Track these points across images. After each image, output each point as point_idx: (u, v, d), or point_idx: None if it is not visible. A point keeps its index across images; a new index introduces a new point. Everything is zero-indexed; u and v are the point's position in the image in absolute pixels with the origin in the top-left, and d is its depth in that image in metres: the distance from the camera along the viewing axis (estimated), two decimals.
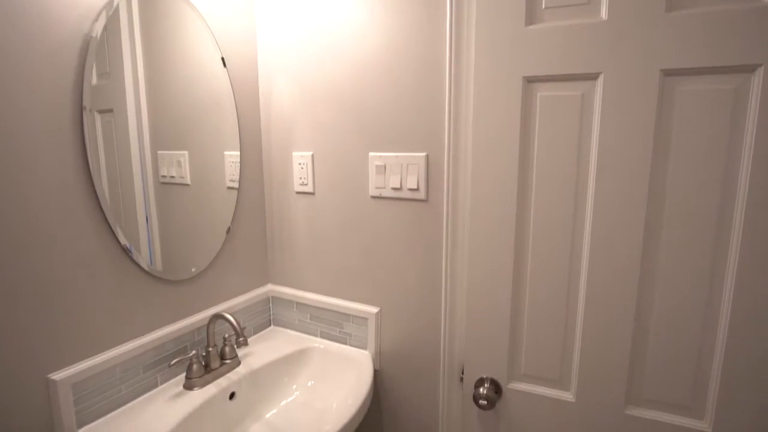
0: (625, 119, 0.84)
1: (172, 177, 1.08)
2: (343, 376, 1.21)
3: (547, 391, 1.02)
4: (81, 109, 0.88)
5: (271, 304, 1.42)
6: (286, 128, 1.30)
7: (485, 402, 1.02)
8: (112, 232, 0.95)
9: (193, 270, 1.15)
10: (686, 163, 0.82)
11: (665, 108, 0.82)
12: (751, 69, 0.76)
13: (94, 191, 0.91)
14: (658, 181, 0.85)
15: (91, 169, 0.90)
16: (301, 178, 1.28)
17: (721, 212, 0.82)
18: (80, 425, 0.91)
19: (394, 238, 1.17)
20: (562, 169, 0.91)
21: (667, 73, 0.81)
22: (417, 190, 1.10)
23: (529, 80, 0.91)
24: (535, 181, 0.94)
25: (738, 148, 0.79)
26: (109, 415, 0.96)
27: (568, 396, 1.00)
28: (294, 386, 1.23)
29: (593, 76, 0.86)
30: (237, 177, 1.27)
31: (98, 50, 0.90)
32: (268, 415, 1.14)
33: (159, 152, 1.04)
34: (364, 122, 1.16)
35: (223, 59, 1.19)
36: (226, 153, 1.23)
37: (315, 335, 1.35)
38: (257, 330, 1.38)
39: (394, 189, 1.13)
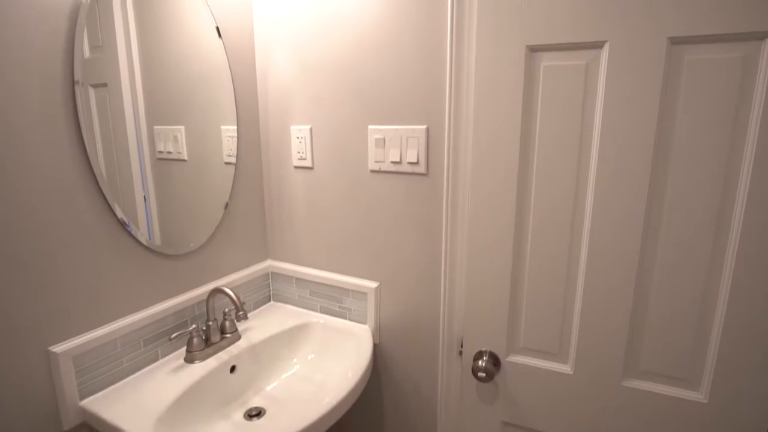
0: (630, 89, 0.83)
1: (169, 153, 1.07)
2: (342, 350, 1.22)
3: (545, 364, 1.03)
4: (73, 82, 0.86)
5: (270, 280, 1.42)
6: (284, 101, 1.27)
7: (484, 374, 1.04)
8: (110, 208, 0.94)
9: (191, 245, 1.15)
10: (692, 133, 0.81)
11: (672, 77, 0.80)
12: (760, 37, 0.74)
13: (90, 167, 0.90)
14: (662, 152, 0.83)
15: (87, 145, 0.89)
16: (299, 152, 1.27)
17: (725, 187, 0.81)
18: (83, 397, 0.92)
19: (394, 212, 1.16)
20: (564, 141, 0.90)
21: (675, 41, 0.79)
22: (417, 163, 1.09)
23: (533, 49, 0.89)
24: (537, 154, 0.93)
25: (745, 117, 0.77)
26: (111, 387, 0.97)
27: (565, 369, 1.01)
28: (294, 360, 1.24)
29: (598, 45, 0.84)
30: (234, 152, 1.25)
31: (89, 20, 0.87)
32: (268, 388, 1.15)
33: (155, 127, 1.03)
34: (364, 94, 1.13)
35: (218, 29, 1.16)
36: (223, 127, 1.21)
37: (315, 310, 1.35)
38: (257, 305, 1.38)
39: (394, 163, 1.12)
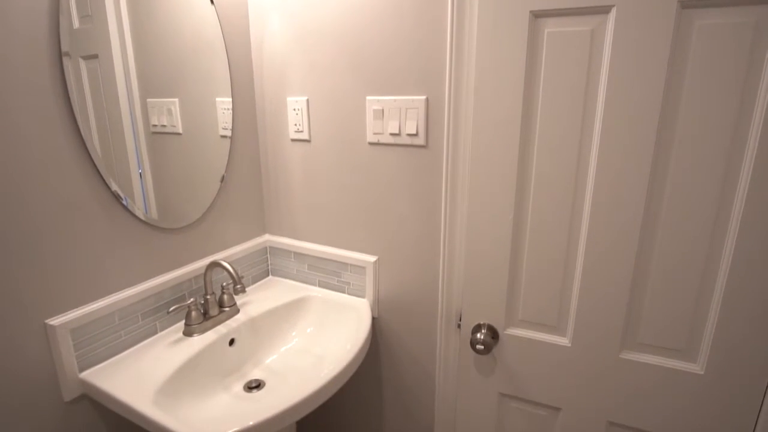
0: (637, 56, 0.80)
1: (164, 126, 1.04)
2: (341, 324, 1.22)
3: (544, 336, 1.03)
4: (60, 54, 0.83)
5: (268, 255, 1.42)
6: (280, 71, 1.24)
7: (482, 347, 1.04)
8: (105, 183, 0.93)
9: (188, 219, 1.13)
10: (699, 103, 0.78)
11: (680, 44, 0.77)
12: None
13: (83, 142, 0.88)
14: (668, 123, 0.81)
15: (79, 120, 0.86)
16: (296, 124, 1.24)
17: (730, 157, 0.79)
18: (82, 369, 0.92)
19: (393, 185, 1.15)
20: (568, 111, 0.88)
21: (685, 4, 0.76)
22: (416, 135, 1.07)
23: (537, 15, 0.86)
24: (539, 124, 0.91)
25: (754, 86, 0.75)
26: (110, 360, 0.97)
27: (564, 341, 1.01)
28: (293, 333, 1.24)
29: (605, 10, 0.81)
30: (230, 125, 1.23)
31: None
32: (268, 361, 1.16)
33: (148, 100, 1.00)
34: (362, 64, 1.10)
35: None
36: (217, 99, 1.18)
37: (313, 284, 1.35)
38: (255, 280, 1.38)
39: (393, 135, 1.09)
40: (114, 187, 0.94)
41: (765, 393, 0.86)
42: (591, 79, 0.85)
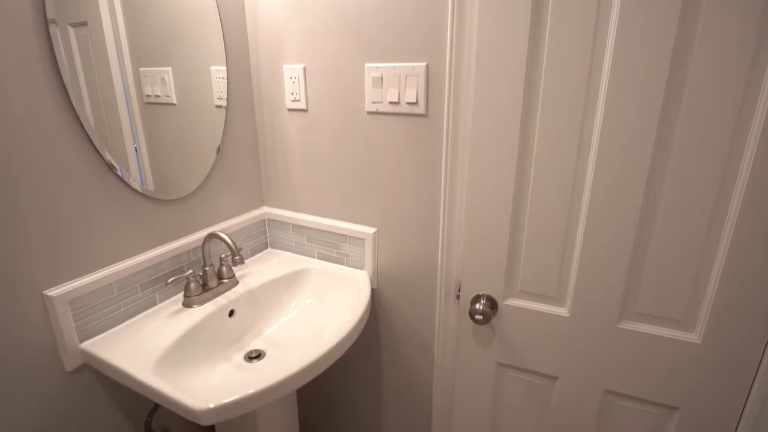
0: (645, 15, 0.77)
1: (157, 96, 1.02)
2: (340, 295, 1.22)
3: (543, 307, 1.03)
4: (46, 21, 0.79)
5: (267, 227, 1.41)
6: (275, 38, 1.20)
7: (481, 317, 1.04)
8: (100, 155, 0.91)
9: (185, 190, 1.12)
10: (708, 67, 0.76)
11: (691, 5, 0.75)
12: None
13: (75, 113, 0.85)
14: (676, 86, 0.79)
15: (70, 90, 0.84)
16: (293, 93, 1.21)
17: (735, 129, 0.77)
18: (82, 339, 0.93)
19: (392, 155, 1.13)
20: (572, 77, 0.85)
21: None
22: (416, 104, 1.04)
23: None
24: (542, 90, 0.88)
25: (765, 47, 0.72)
26: (110, 330, 0.97)
27: (562, 311, 1.01)
28: (293, 304, 1.25)
29: None
30: (225, 94, 1.20)
31: None
32: (268, 332, 1.16)
33: (141, 69, 0.97)
34: (360, 29, 1.07)
35: None
36: (212, 68, 1.14)
37: (312, 257, 1.35)
38: (254, 252, 1.38)
39: (392, 103, 1.07)
40: (108, 158, 0.92)
41: (760, 361, 0.87)
42: (597, 43, 0.82)
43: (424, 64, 1.01)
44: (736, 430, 0.93)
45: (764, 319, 0.84)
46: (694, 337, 0.91)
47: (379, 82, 1.06)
